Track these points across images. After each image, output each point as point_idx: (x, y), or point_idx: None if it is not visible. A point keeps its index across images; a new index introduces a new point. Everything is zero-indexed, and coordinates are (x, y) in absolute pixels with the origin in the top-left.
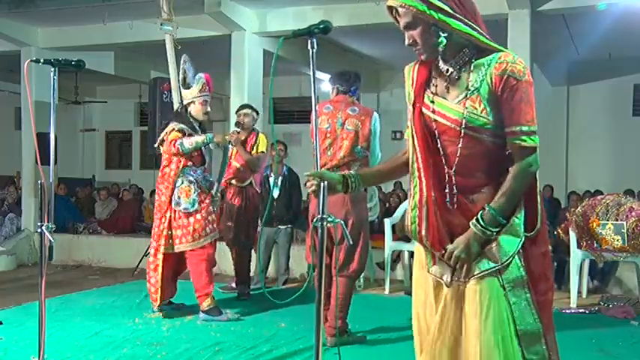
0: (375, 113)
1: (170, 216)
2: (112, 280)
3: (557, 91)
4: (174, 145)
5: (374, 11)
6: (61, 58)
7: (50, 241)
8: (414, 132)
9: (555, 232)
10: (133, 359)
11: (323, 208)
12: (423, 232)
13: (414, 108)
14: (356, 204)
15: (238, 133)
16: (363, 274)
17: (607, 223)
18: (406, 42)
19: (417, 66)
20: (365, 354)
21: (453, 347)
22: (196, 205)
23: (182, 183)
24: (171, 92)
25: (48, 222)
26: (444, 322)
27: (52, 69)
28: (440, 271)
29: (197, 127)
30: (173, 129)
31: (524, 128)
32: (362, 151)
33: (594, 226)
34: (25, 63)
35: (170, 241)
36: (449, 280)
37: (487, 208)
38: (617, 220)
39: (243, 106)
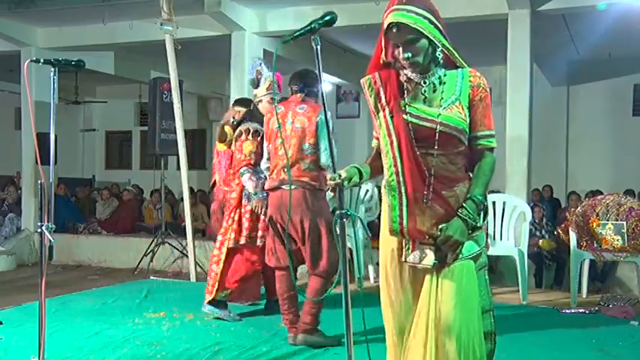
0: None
1: (240, 211)
2: (112, 280)
3: (557, 91)
4: (240, 164)
5: (374, 11)
6: (61, 58)
7: (50, 241)
8: (396, 138)
9: (555, 232)
10: (133, 359)
11: (341, 204)
12: (406, 228)
13: (392, 116)
14: (314, 202)
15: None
16: (362, 274)
17: (607, 223)
18: (405, 55)
19: (379, 77)
20: (365, 354)
21: (433, 321)
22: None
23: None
24: (171, 92)
25: (48, 222)
26: (430, 300)
27: (52, 69)
28: (419, 257)
29: None
30: (249, 130)
31: (492, 132)
32: (310, 148)
33: (594, 226)
34: (25, 63)
35: (237, 235)
36: (431, 262)
37: (473, 197)
38: (617, 220)
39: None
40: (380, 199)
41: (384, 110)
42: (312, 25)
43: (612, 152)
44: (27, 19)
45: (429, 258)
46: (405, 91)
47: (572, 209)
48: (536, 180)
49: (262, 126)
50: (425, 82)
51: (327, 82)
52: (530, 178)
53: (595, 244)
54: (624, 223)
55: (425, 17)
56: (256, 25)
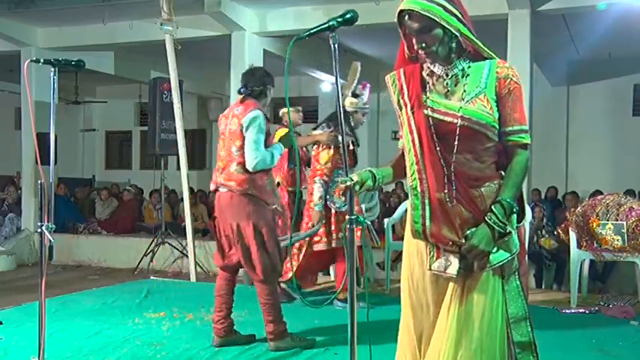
0: (254, 111)
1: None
2: (112, 280)
3: (557, 91)
4: (315, 172)
5: (374, 11)
6: (61, 58)
7: (50, 241)
8: (417, 135)
9: (555, 232)
10: (133, 359)
11: (352, 209)
12: (428, 230)
13: (413, 111)
14: (240, 206)
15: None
16: (365, 278)
17: (607, 223)
18: (416, 46)
19: (403, 73)
20: (364, 354)
21: (456, 335)
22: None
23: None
24: (171, 92)
25: (48, 222)
26: (449, 312)
27: (52, 69)
28: (444, 265)
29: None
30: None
31: (524, 127)
32: (237, 150)
33: (594, 226)
34: (25, 63)
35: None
36: (456, 270)
37: (502, 201)
38: (617, 220)
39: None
40: (380, 200)
41: (406, 107)
42: (331, 23)
43: (612, 152)
44: (27, 19)
45: (454, 266)
46: (428, 85)
47: (573, 209)
48: (536, 180)
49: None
50: (447, 75)
51: (327, 82)
52: (530, 178)
53: (595, 244)
54: (624, 223)
55: (439, 4)
56: (256, 25)
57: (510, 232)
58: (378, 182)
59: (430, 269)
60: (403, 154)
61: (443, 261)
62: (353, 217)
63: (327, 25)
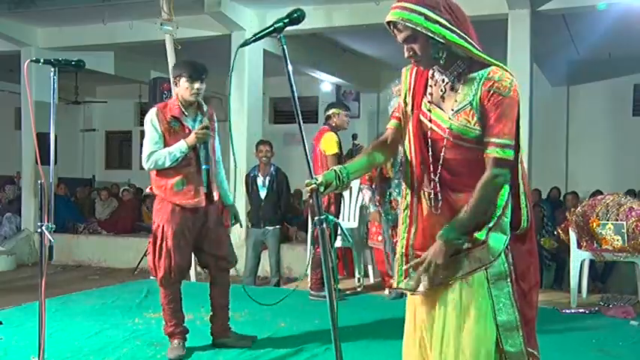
0: (151, 109)
1: None
2: (112, 280)
3: (557, 91)
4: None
5: (374, 11)
6: (61, 58)
7: (50, 241)
8: (412, 134)
9: (555, 232)
10: (133, 359)
11: (319, 210)
12: (412, 234)
13: (412, 112)
14: (154, 206)
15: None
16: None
17: (607, 223)
18: (406, 54)
19: (414, 70)
20: (364, 354)
21: (441, 345)
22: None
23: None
24: (171, 92)
25: (48, 222)
26: (438, 325)
27: (52, 69)
28: (416, 284)
29: None
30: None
31: (498, 140)
32: None
33: (594, 226)
34: (25, 63)
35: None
36: (426, 286)
37: (456, 219)
38: (617, 220)
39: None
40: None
41: (408, 105)
42: (277, 25)
43: (612, 152)
44: (27, 19)
45: (424, 284)
46: (430, 88)
47: (573, 209)
48: (537, 180)
49: None
50: (443, 81)
51: (327, 82)
52: (530, 178)
53: (595, 244)
54: (624, 223)
55: (420, 13)
56: (256, 25)
57: (469, 248)
58: (343, 181)
59: (397, 287)
60: (386, 139)
61: (414, 278)
62: (322, 216)
63: (273, 28)
